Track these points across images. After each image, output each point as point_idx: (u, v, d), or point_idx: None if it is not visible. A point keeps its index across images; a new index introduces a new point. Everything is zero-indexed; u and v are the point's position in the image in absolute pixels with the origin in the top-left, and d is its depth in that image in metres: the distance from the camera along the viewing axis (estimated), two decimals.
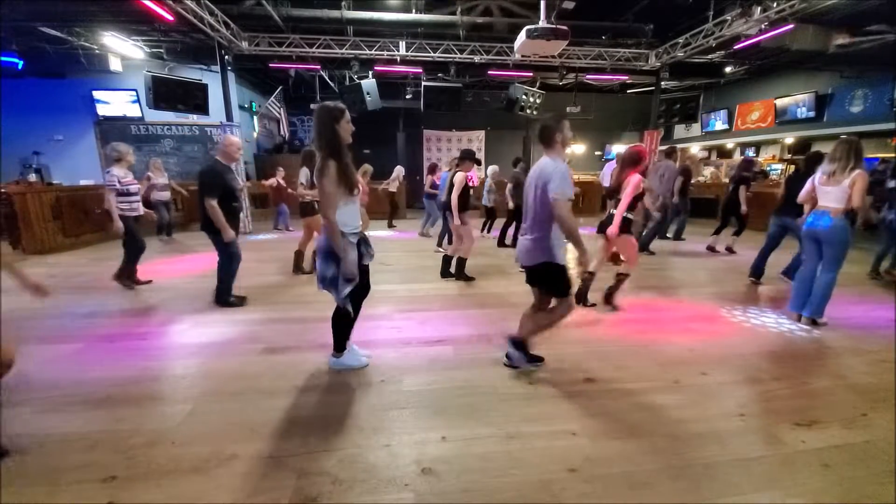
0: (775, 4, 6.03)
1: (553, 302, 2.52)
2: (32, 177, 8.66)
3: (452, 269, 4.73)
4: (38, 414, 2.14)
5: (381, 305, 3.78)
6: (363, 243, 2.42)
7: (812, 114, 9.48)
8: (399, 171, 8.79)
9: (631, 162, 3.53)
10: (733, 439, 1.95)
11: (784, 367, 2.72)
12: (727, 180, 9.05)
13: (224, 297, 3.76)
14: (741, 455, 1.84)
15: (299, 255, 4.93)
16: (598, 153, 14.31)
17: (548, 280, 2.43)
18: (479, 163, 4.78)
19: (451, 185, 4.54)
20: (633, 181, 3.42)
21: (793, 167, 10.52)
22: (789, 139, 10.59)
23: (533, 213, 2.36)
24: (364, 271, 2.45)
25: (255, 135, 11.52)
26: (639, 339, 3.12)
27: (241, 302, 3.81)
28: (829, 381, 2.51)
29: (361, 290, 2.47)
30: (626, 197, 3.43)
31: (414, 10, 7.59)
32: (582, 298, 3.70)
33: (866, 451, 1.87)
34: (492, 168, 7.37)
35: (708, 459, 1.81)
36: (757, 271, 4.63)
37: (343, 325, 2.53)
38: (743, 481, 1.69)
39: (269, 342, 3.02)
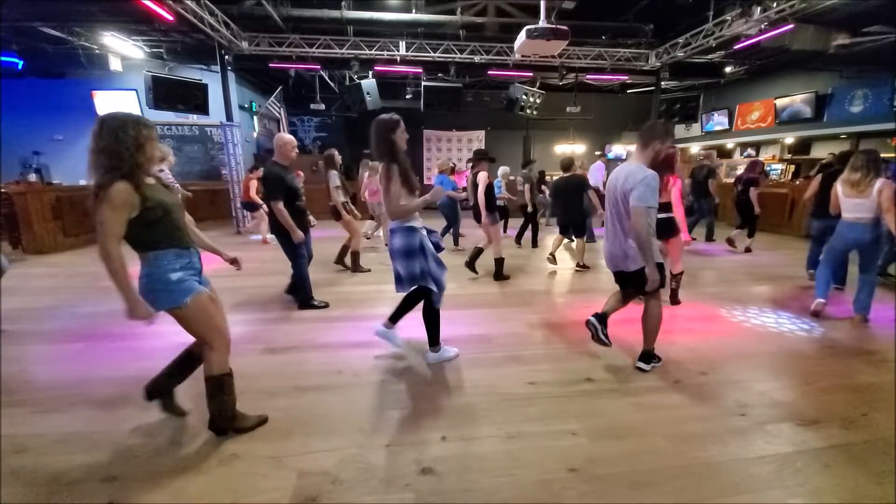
0: (775, 4, 6.03)
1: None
2: (32, 177, 8.64)
3: (476, 266, 4.81)
4: (38, 414, 2.14)
5: (382, 305, 3.77)
6: (430, 234, 2.58)
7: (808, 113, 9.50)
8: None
9: (665, 166, 3.53)
10: (733, 439, 1.95)
11: (784, 367, 2.72)
12: (727, 180, 9.04)
13: (306, 301, 3.74)
14: (741, 455, 1.84)
15: (355, 255, 5.01)
16: (598, 153, 14.29)
17: (643, 282, 2.40)
18: (492, 160, 4.85)
19: (475, 186, 4.59)
20: (678, 186, 3.52)
21: (793, 167, 10.54)
22: (789, 139, 10.58)
23: (620, 218, 2.39)
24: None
25: (254, 135, 11.52)
26: (639, 339, 3.10)
27: (323, 305, 3.77)
28: (829, 381, 2.51)
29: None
30: (676, 203, 3.50)
31: (414, 10, 7.58)
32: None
33: (866, 451, 1.87)
34: (502, 168, 7.38)
35: (708, 459, 1.81)
36: (814, 265, 4.52)
37: (436, 317, 2.63)
38: (743, 481, 1.69)
39: (269, 342, 3.02)
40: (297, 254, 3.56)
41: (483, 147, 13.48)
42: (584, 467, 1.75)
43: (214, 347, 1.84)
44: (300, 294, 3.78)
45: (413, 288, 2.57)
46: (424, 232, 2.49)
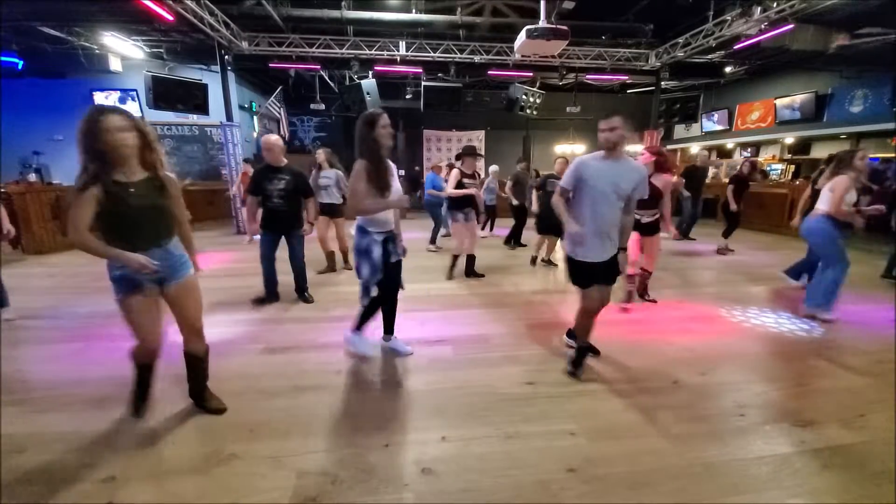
0: (775, 4, 6.02)
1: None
2: (32, 177, 8.64)
3: (476, 269, 4.84)
4: (38, 414, 2.14)
5: None
6: (390, 242, 2.54)
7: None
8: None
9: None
10: (733, 439, 1.96)
11: (783, 367, 2.72)
12: (727, 181, 9.07)
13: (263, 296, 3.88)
14: (741, 455, 1.85)
15: (331, 254, 5.06)
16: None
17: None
18: (479, 156, 4.82)
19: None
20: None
21: (793, 167, 10.53)
22: (789, 139, 10.58)
23: None
24: (394, 268, 2.60)
25: (254, 135, 11.52)
26: (639, 339, 3.13)
27: (260, 302, 3.85)
28: (829, 382, 2.52)
29: (388, 284, 2.63)
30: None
31: (414, 10, 7.58)
32: (643, 293, 3.98)
33: (865, 451, 1.87)
34: (493, 167, 7.41)
35: (707, 460, 1.82)
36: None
37: (368, 309, 2.70)
38: (743, 481, 1.69)
39: (268, 342, 3.02)
40: (261, 250, 3.72)
41: (482, 147, 13.51)
42: (583, 467, 1.76)
43: (137, 342, 1.93)
44: (297, 284, 3.94)
45: (377, 291, 2.64)
46: (378, 238, 2.46)
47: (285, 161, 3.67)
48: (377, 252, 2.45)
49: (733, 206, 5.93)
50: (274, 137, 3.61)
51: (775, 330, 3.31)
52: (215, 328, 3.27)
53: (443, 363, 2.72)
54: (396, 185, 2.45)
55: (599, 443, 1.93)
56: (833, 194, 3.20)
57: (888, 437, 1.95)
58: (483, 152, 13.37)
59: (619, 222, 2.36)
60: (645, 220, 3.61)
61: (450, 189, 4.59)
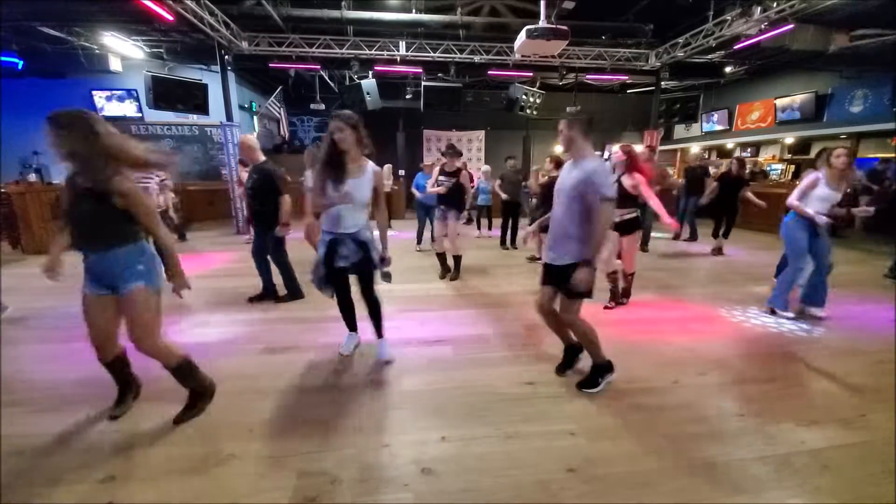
0: (775, 4, 6.02)
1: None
2: (32, 177, 8.63)
3: (464, 269, 4.89)
4: (38, 414, 2.14)
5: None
6: (337, 244, 2.47)
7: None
8: (387, 168, 8.72)
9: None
10: (733, 439, 1.96)
11: (783, 368, 2.72)
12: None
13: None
14: (741, 455, 1.84)
15: None
16: (597, 153, 14.27)
17: None
18: (459, 154, 4.83)
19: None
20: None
21: (793, 167, 10.53)
22: (789, 139, 10.57)
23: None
24: (357, 272, 2.57)
25: (254, 135, 11.52)
26: (638, 339, 3.13)
27: (256, 299, 3.93)
28: (829, 381, 2.52)
29: (361, 286, 2.62)
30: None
31: (414, 10, 7.58)
32: (625, 293, 3.94)
33: (865, 451, 1.87)
34: (485, 168, 7.45)
35: (708, 459, 1.81)
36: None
37: (339, 305, 2.79)
38: (742, 482, 1.69)
39: (268, 342, 3.02)
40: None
41: (482, 147, 13.54)
42: (583, 467, 1.76)
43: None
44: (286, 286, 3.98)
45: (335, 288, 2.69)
46: (325, 237, 2.50)
47: (262, 158, 3.70)
48: (320, 251, 2.53)
49: (703, 200, 6.00)
50: (245, 138, 3.70)
51: (775, 330, 3.31)
52: (215, 328, 3.29)
53: (443, 363, 2.72)
54: (356, 185, 2.39)
55: (599, 443, 1.93)
56: (797, 188, 3.26)
57: (888, 437, 1.95)
58: (483, 152, 13.45)
59: (575, 227, 2.19)
60: (615, 218, 3.54)
61: (429, 186, 4.71)
